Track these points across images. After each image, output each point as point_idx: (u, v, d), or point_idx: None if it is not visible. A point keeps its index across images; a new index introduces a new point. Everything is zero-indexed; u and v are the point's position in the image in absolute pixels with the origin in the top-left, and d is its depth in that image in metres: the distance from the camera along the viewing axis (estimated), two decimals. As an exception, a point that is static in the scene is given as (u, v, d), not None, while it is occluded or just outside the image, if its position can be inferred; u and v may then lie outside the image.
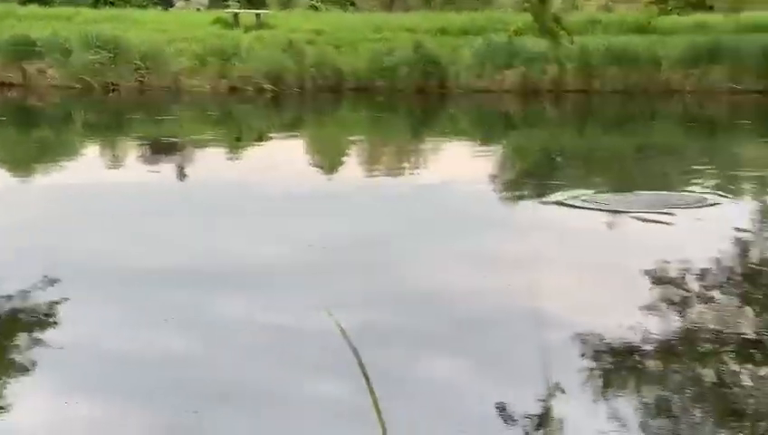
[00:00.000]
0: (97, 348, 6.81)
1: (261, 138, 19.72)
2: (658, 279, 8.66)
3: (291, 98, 24.93)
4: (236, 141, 18.97)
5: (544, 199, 12.20)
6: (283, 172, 14.74)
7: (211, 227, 10.57)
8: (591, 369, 6.46)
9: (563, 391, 6.02)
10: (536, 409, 5.70)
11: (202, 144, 18.18)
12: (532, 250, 9.66)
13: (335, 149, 18.91)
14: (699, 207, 11.59)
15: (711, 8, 28.73)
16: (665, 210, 11.24)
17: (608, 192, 12.59)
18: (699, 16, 28.66)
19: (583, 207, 11.42)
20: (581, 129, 22.19)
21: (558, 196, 12.14)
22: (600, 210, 11.31)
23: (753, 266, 9.50)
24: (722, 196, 12.47)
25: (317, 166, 16.70)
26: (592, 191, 12.53)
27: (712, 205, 11.76)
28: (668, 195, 12.43)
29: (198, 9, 38.25)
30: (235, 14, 30.57)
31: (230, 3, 37.78)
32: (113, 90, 25.11)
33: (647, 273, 8.76)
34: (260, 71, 25.15)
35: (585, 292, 8.41)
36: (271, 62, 25.28)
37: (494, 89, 25.29)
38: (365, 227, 10.67)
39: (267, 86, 25.15)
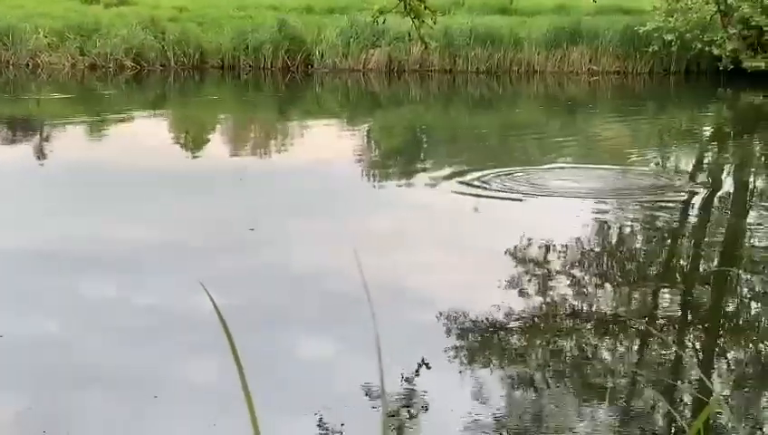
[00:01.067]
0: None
1: (122, 117, 19.29)
2: (521, 258, 8.82)
3: (153, 76, 24.50)
4: (97, 121, 18.51)
5: (435, 178, 12.33)
6: (147, 153, 14.46)
7: (72, 208, 10.31)
8: (457, 346, 6.55)
9: (428, 368, 6.08)
10: (402, 386, 5.74)
11: (61, 123, 17.71)
12: (401, 229, 9.72)
13: (200, 129, 18.66)
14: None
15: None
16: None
17: (476, 170, 12.65)
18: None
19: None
20: (446, 108, 22.40)
21: (453, 176, 12.23)
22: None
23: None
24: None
25: (181, 146, 16.44)
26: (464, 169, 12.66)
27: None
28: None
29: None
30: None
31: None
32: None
33: (512, 251, 8.93)
34: (121, 48, 24.66)
35: (454, 271, 8.50)
36: (132, 40, 24.81)
37: (359, 68, 25.35)
38: (232, 209, 10.54)
39: (128, 63, 24.68)
